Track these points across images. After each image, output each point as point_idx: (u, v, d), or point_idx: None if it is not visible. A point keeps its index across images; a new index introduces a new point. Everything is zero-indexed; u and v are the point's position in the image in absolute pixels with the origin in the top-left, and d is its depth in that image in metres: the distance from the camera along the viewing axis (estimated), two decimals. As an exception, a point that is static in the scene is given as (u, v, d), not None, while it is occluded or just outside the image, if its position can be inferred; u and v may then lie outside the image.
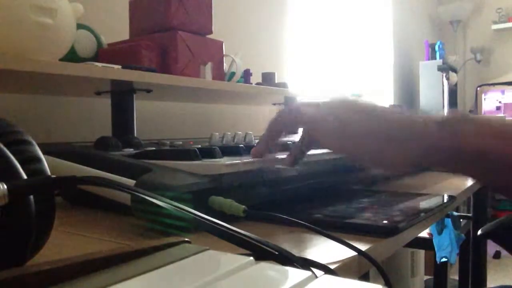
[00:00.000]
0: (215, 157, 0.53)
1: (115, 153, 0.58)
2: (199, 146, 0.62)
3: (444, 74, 3.09)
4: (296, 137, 0.53)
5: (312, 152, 0.62)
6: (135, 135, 0.96)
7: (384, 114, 0.42)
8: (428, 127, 0.39)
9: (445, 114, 0.40)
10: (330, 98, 0.47)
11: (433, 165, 0.43)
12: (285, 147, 0.56)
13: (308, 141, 0.49)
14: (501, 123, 0.38)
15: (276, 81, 1.37)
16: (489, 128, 0.38)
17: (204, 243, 0.26)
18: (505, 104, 3.53)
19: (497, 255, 2.98)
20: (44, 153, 0.32)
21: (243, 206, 0.42)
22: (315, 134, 0.45)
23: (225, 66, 1.12)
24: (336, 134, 0.43)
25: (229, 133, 0.73)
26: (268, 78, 1.37)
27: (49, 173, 0.31)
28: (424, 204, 0.59)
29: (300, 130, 0.51)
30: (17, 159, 0.28)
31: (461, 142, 0.38)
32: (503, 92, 3.54)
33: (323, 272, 0.28)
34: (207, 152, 0.53)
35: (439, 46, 3.28)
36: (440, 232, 1.47)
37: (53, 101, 1.05)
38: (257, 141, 0.75)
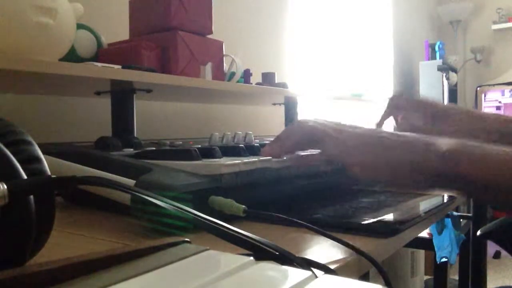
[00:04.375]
0: (215, 157, 0.53)
1: (115, 153, 0.58)
2: (199, 146, 0.62)
3: (444, 74, 3.09)
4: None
5: (312, 151, 0.62)
6: (135, 135, 0.96)
7: (400, 147, 0.47)
8: (431, 159, 0.44)
9: (448, 143, 0.44)
10: (341, 126, 0.51)
11: (441, 189, 0.51)
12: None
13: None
14: (482, 152, 0.43)
15: (276, 81, 1.37)
16: (477, 158, 0.43)
17: (204, 243, 0.26)
18: (505, 104, 3.53)
19: (497, 255, 2.98)
20: (44, 153, 0.32)
21: (243, 206, 0.42)
22: (344, 162, 0.49)
23: (225, 66, 1.12)
24: (368, 170, 0.48)
25: (229, 133, 0.73)
26: (268, 78, 1.37)
27: (49, 173, 0.31)
28: (424, 204, 0.59)
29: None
30: (17, 159, 0.28)
31: (460, 171, 0.43)
32: (503, 92, 3.54)
33: (323, 272, 0.28)
34: (207, 152, 0.53)
35: (439, 46, 3.27)
36: (440, 232, 1.47)
37: (53, 101, 1.05)
38: (257, 141, 0.75)
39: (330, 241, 0.37)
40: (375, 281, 0.25)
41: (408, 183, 0.47)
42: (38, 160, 0.31)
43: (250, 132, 0.78)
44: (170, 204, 0.29)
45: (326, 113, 2.00)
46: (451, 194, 0.48)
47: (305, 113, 1.77)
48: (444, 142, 0.44)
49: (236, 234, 0.27)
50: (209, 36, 1.03)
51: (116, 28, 1.06)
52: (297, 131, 0.53)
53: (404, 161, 0.45)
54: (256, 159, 0.51)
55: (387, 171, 0.47)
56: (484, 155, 0.43)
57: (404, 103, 0.71)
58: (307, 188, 0.60)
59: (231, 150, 0.57)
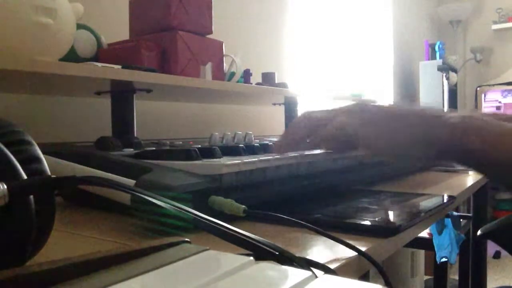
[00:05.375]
0: (215, 157, 0.53)
1: (115, 153, 0.58)
2: (199, 146, 0.62)
3: (444, 74, 3.09)
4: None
5: (312, 152, 0.62)
6: (135, 135, 0.96)
7: (410, 119, 0.48)
8: (440, 131, 0.45)
9: (457, 116, 0.45)
10: (355, 105, 0.52)
11: (451, 162, 0.52)
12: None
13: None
14: (495, 129, 0.44)
15: (276, 81, 1.37)
16: (485, 132, 0.43)
17: (204, 243, 0.26)
18: (505, 104, 3.53)
19: (497, 255, 2.98)
20: (44, 153, 0.32)
21: (243, 206, 0.42)
22: (363, 143, 0.51)
23: (225, 66, 1.12)
24: (380, 141, 0.50)
25: (229, 133, 0.73)
26: (268, 78, 1.37)
27: (49, 173, 0.31)
28: (424, 204, 0.59)
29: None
30: (17, 159, 0.28)
31: (467, 144, 0.43)
32: (503, 92, 3.54)
33: (323, 272, 0.28)
34: (207, 152, 0.53)
35: (439, 46, 3.27)
36: (440, 232, 1.47)
37: (53, 101, 1.05)
38: (257, 141, 0.75)
39: (330, 241, 0.37)
40: (375, 281, 0.25)
41: (418, 155, 0.48)
42: (38, 160, 0.31)
43: (250, 132, 0.78)
44: (170, 204, 0.29)
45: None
46: (461, 167, 0.49)
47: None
48: (454, 115, 0.45)
49: (236, 234, 0.27)
50: (209, 36, 1.03)
51: (116, 28, 1.06)
52: (304, 123, 0.55)
53: (414, 132, 0.46)
54: (256, 159, 0.51)
55: (399, 143, 0.48)
56: (491, 130, 0.43)
57: None
58: (307, 188, 0.60)
59: (231, 150, 0.57)
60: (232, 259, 0.23)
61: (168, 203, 0.29)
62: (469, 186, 0.77)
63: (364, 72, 2.68)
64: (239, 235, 0.27)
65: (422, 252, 2.26)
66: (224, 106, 1.55)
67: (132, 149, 0.65)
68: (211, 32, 1.03)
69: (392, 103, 0.73)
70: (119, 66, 0.80)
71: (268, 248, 0.26)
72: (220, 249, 0.25)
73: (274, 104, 1.51)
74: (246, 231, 0.27)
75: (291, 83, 1.41)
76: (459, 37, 3.93)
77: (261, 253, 0.26)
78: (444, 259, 1.45)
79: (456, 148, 0.44)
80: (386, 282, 0.36)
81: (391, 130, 0.48)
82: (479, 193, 1.58)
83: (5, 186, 0.26)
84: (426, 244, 1.53)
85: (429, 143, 0.46)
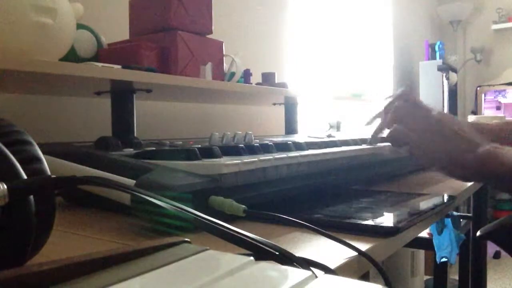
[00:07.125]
0: (215, 157, 0.53)
1: (115, 153, 0.58)
2: (199, 146, 0.62)
3: (444, 74, 3.09)
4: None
5: (312, 152, 0.62)
6: (135, 135, 0.96)
7: (453, 143, 0.58)
8: (468, 157, 0.56)
9: (483, 148, 0.55)
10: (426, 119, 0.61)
11: (476, 180, 0.65)
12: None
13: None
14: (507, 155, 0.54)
15: (276, 81, 1.37)
16: (500, 158, 0.54)
17: (204, 243, 0.26)
18: (505, 104, 3.53)
19: (497, 255, 2.98)
20: (44, 153, 0.32)
21: (243, 206, 0.42)
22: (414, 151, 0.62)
23: (225, 66, 1.12)
24: (429, 153, 0.60)
25: (229, 133, 0.73)
26: (268, 78, 1.37)
27: (49, 173, 0.31)
28: (424, 204, 0.59)
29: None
30: (17, 159, 0.28)
31: (488, 169, 0.55)
32: (503, 92, 3.54)
33: (323, 272, 0.28)
34: (207, 152, 0.53)
35: (439, 46, 3.27)
36: (440, 232, 1.46)
37: (53, 101, 1.05)
38: (257, 141, 0.75)
39: (330, 241, 0.37)
40: (375, 281, 0.25)
41: (454, 172, 0.58)
42: (38, 160, 0.31)
43: (250, 132, 0.78)
44: (170, 204, 0.29)
45: (326, 113, 2.00)
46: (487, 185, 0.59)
47: (305, 113, 1.77)
48: (482, 146, 0.56)
49: (236, 234, 0.27)
50: (209, 36, 1.03)
51: (116, 28, 1.06)
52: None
53: (451, 154, 0.57)
54: (256, 159, 0.51)
55: (440, 159, 0.58)
56: (506, 158, 0.53)
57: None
58: (307, 188, 0.60)
59: (231, 150, 0.57)
60: (232, 259, 0.23)
61: (168, 203, 0.29)
62: (469, 186, 0.77)
63: (364, 72, 2.68)
64: (239, 235, 0.27)
65: (422, 252, 2.27)
66: (224, 106, 1.55)
67: (132, 149, 0.65)
68: (211, 32, 1.03)
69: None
70: (119, 66, 0.80)
71: (268, 248, 0.26)
72: (220, 249, 0.25)
73: (274, 104, 1.51)
74: (246, 231, 0.27)
75: (291, 83, 1.41)
76: (459, 37, 3.93)
77: (261, 253, 0.26)
78: (444, 259, 1.45)
79: (481, 172, 0.55)
80: (386, 282, 0.36)
81: (436, 147, 0.58)
82: (479, 193, 1.58)
83: (5, 186, 0.26)
84: (426, 244, 1.53)
85: (461, 166, 0.57)
